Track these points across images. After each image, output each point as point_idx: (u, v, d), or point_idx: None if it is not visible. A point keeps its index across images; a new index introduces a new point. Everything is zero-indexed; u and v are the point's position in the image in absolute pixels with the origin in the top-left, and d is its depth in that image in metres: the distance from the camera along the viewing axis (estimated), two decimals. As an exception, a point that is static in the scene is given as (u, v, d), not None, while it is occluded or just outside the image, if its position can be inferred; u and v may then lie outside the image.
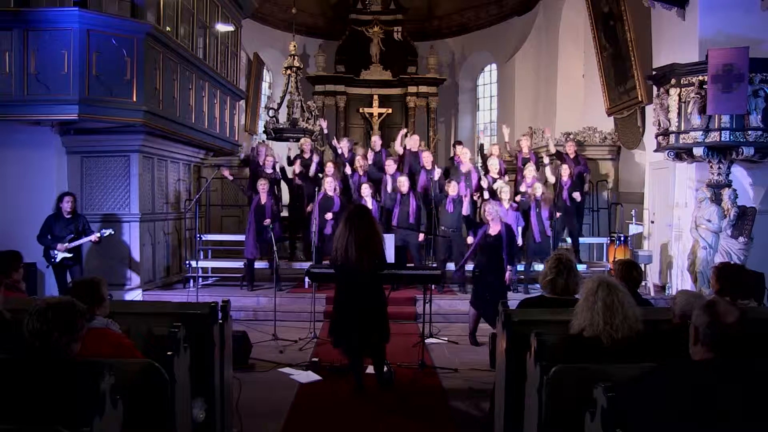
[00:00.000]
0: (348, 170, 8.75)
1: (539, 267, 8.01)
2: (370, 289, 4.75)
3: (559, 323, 3.12)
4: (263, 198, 8.08)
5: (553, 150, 9.47)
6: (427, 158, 8.72)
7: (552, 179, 8.77)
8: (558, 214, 8.01)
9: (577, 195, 8.66)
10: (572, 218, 8.81)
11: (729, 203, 6.65)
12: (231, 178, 8.99)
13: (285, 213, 9.30)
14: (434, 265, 7.92)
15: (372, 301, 4.76)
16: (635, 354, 2.66)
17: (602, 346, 2.72)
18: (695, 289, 6.53)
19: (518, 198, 8.30)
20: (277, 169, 8.96)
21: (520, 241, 7.78)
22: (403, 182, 7.93)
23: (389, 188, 8.39)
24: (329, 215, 7.89)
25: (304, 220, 8.74)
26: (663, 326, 3.11)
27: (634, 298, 3.81)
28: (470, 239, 6.74)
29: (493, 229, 6.19)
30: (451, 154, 11.10)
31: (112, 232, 7.14)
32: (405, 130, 10.01)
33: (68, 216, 6.87)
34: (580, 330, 2.82)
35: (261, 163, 9.15)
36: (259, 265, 8.29)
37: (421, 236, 7.77)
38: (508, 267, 6.40)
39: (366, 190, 7.93)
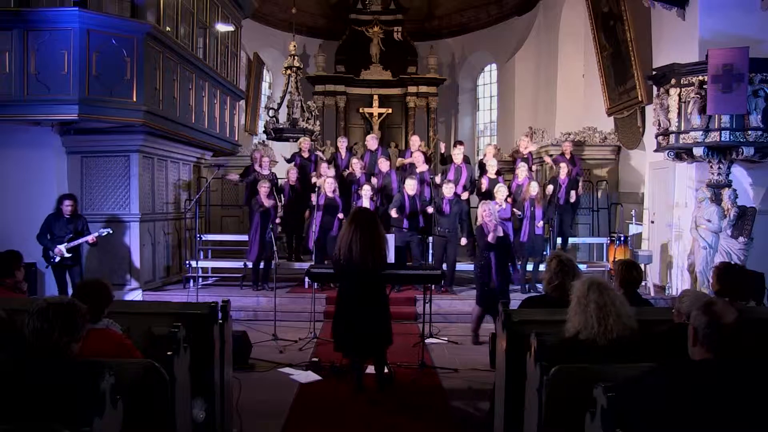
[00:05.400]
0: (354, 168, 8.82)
1: (531, 267, 8.04)
2: (373, 290, 4.77)
3: (559, 323, 3.11)
4: (266, 201, 8.06)
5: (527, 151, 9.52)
6: (417, 158, 8.73)
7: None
8: (540, 221, 7.97)
9: (572, 194, 8.69)
10: (567, 218, 8.82)
11: (729, 203, 6.65)
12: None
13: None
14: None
15: (375, 302, 4.76)
16: (633, 352, 2.66)
17: (599, 348, 2.71)
18: (694, 290, 6.53)
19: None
20: (273, 170, 8.98)
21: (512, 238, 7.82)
22: (412, 185, 7.92)
23: (379, 183, 8.45)
24: (341, 215, 7.93)
25: (302, 220, 8.75)
26: (663, 326, 3.11)
27: (634, 298, 3.82)
28: (464, 241, 6.71)
29: (500, 230, 6.21)
30: (449, 153, 11.12)
31: (111, 231, 7.14)
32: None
33: (68, 216, 6.87)
34: (575, 333, 2.81)
35: (258, 166, 9.17)
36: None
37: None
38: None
39: (366, 190, 7.91)
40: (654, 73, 7.50)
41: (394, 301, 6.37)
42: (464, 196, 8.33)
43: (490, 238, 6.17)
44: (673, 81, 6.88)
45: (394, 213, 7.70)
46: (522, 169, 8.59)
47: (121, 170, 7.80)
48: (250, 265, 8.36)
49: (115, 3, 7.59)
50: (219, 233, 9.93)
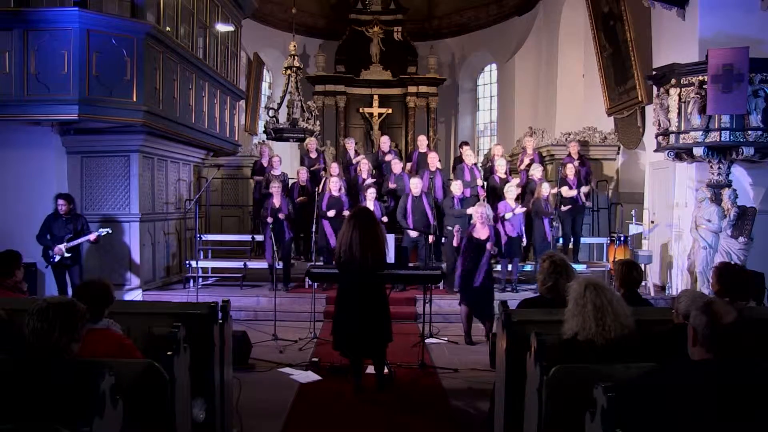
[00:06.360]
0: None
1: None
2: (372, 289, 4.77)
3: (558, 323, 3.11)
4: (277, 201, 8.02)
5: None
6: (432, 159, 8.73)
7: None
8: (564, 207, 7.96)
9: (583, 190, 8.68)
10: (579, 218, 8.81)
11: (729, 203, 6.65)
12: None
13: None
14: (441, 265, 7.92)
15: (374, 301, 4.77)
16: (631, 352, 2.66)
17: (597, 348, 2.71)
18: (692, 290, 6.53)
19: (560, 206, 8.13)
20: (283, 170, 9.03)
21: (524, 241, 7.81)
22: (417, 184, 7.92)
23: (391, 185, 8.46)
24: (332, 212, 7.90)
25: (308, 220, 8.74)
26: (662, 326, 3.11)
27: (634, 298, 3.82)
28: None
29: (481, 233, 6.21)
30: (458, 154, 11.13)
31: (110, 231, 7.14)
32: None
33: (67, 216, 6.87)
34: (573, 334, 2.80)
35: (266, 164, 9.18)
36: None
37: (431, 237, 7.75)
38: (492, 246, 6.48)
39: (370, 193, 7.90)
40: (654, 73, 7.50)
41: (394, 301, 6.38)
42: (482, 195, 8.30)
43: (455, 242, 6.31)
44: (673, 81, 6.88)
45: (404, 223, 7.74)
46: (537, 170, 8.58)
47: (121, 170, 7.80)
48: (251, 264, 8.36)
49: (115, 3, 7.58)
50: (219, 233, 9.93)
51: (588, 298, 2.77)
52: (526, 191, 8.67)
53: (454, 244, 6.39)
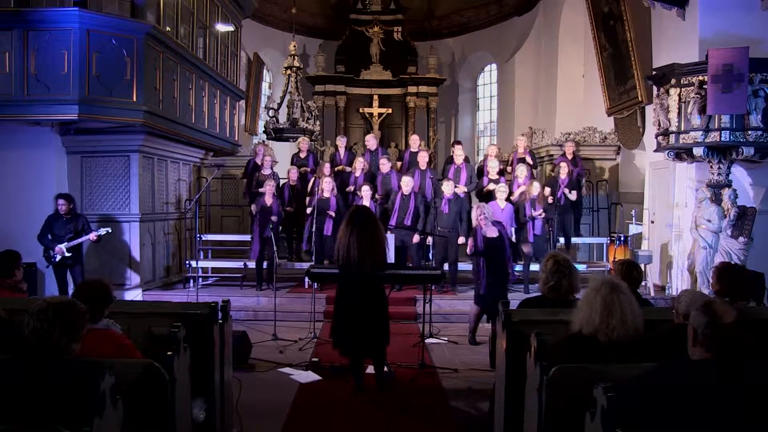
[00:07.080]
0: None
1: (535, 266, 8.02)
2: (371, 290, 4.75)
3: (559, 323, 3.11)
4: (268, 199, 8.05)
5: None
6: (422, 159, 8.72)
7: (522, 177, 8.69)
8: (542, 213, 7.91)
9: (573, 194, 8.65)
10: (568, 217, 8.80)
11: (729, 203, 6.65)
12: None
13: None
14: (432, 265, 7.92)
15: (373, 303, 4.75)
16: (633, 354, 2.65)
17: (600, 345, 2.71)
18: (692, 290, 6.53)
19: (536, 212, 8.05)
20: (275, 170, 8.98)
21: (513, 238, 7.80)
22: (408, 182, 7.92)
23: (380, 190, 8.44)
24: (331, 213, 7.91)
25: (302, 220, 8.74)
26: (663, 326, 3.10)
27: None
28: (461, 239, 7.02)
29: (492, 232, 6.21)
30: (450, 153, 11.12)
31: (110, 231, 7.14)
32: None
33: (67, 216, 6.87)
34: (579, 329, 2.80)
35: (259, 163, 9.17)
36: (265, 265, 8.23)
37: (416, 238, 7.75)
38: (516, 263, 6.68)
39: (366, 191, 7.91)
40: (654, 73, 7.50)
41: (394, 301, 6.38)
42: (459, 190, 8.24)
43: (468, 249, 6.32)
44: (673, 81, 6.88)
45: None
46: (521, 171, 8.58)
47: (121, 170, 7.80)
48: (250, 265, 8.36)
49: (115, 3, 7.58)
50: (219, 233, 9.93)
51: (601, 292, 2.76)
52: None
53: (468, 252, 6.38)
